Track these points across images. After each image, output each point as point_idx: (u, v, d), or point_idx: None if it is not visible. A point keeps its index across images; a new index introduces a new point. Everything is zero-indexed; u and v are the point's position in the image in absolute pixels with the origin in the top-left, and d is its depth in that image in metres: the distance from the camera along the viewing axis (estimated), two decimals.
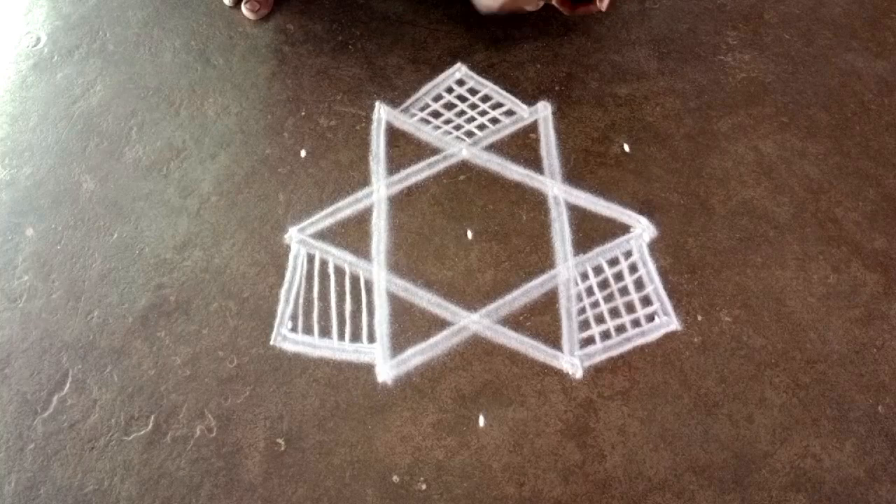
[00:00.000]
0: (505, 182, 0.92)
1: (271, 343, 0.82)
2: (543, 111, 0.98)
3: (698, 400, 0.77)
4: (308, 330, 0.83)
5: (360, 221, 0.89)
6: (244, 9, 1.06)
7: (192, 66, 1.05)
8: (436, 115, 0.98)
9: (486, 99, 0.99)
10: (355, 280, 0.85)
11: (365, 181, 0.93)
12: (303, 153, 0.94)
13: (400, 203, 0.91)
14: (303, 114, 0.98)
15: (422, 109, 0.99)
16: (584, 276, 0.85)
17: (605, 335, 0.81)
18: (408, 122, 0.98)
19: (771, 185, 0.91)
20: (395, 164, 0.94)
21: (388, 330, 0.82)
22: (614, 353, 0.80)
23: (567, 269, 0.85)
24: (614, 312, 0.82)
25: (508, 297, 0.84)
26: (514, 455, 0.74)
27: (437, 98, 1.00)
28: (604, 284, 0.84)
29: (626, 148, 0.94)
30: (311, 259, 0.85)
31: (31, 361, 0.82)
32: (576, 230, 0.88)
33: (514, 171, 0.93)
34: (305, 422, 0.77)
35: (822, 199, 0.90)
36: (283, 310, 0.84)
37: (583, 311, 0.83)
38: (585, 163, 0.93)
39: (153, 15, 1.11)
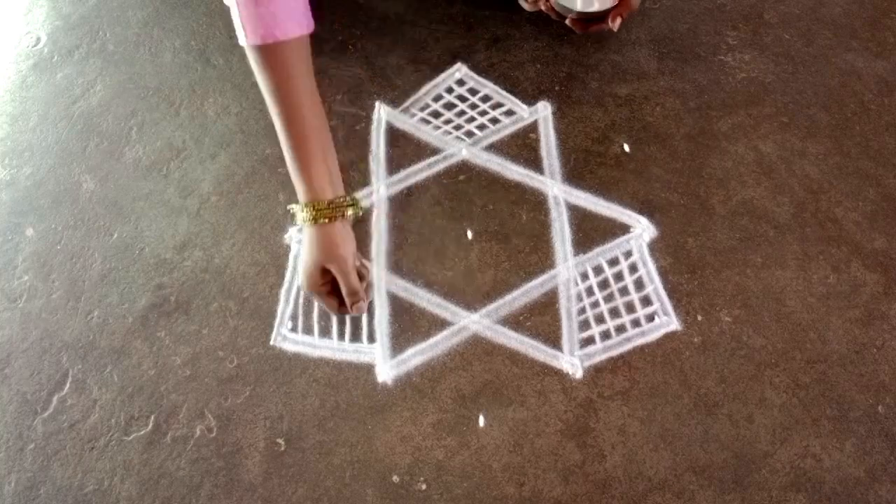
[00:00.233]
0: (505, 182, 0.92)
1: (271, 343, 0.82)
2: (543, 111, 0.98)
3: (698, 400, 0.77)
4: (308, 330, 0.83)
5: (360, 221, 0.89)
6: None
7: (192, 66, 1.05)
8: (436, 115, 0.98)
9: (486, 99, 0.99)
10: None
11: (365, 181, 0.93)
12: None
13: (400, 203, 0.91)
14: None
15: (422, 109, 0.99)
16: (584, 276, 0.85)
17: (605, 335, 0.81)
18: (408, 122, 0.98)
19: (771, 185, 0.91)
20: (395, 164, 0.94)
21: (388, 330, 0.82)
22: (614, 353, 0.80)
23: (567, 269, 0.85)
24: (614, 312, 0.83)
25: (508, 297, 0.84)
26: (514, 455, 0.75)
27: (438, 98, 1.00)
28: (604, 284, 0.85)
29: (626, 148, 0.94)
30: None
31: (31, 361, 0.82)
32: (576, 230, 0.88)
33: (514, 171, 0.93)
34: (305, 422, 0.77)
35: (822, 199, 0.90)
36: (283, 310, 0.84)
37: (583, 311, 0.83)
38: (585, 163, 0.93)
39: (153, 15, 1.11)
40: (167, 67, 1.05)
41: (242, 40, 0.70)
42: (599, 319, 0.82)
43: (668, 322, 0.81)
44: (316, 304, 0.84)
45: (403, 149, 0.95)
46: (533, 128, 0.97)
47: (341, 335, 0.82)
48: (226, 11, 1.10)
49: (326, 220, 0.75)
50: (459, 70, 1.02)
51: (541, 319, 0.82)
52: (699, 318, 0.82)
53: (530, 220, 0.89)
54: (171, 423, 0.77)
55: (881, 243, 0.86)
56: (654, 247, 0.87)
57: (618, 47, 1.04)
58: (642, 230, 0.88)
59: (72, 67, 1.06)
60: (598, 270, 0.85)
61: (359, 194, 0.91)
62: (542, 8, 0.87)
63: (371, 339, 0.82)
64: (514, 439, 0.75)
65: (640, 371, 0.79)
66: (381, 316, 0.83)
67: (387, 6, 1.10)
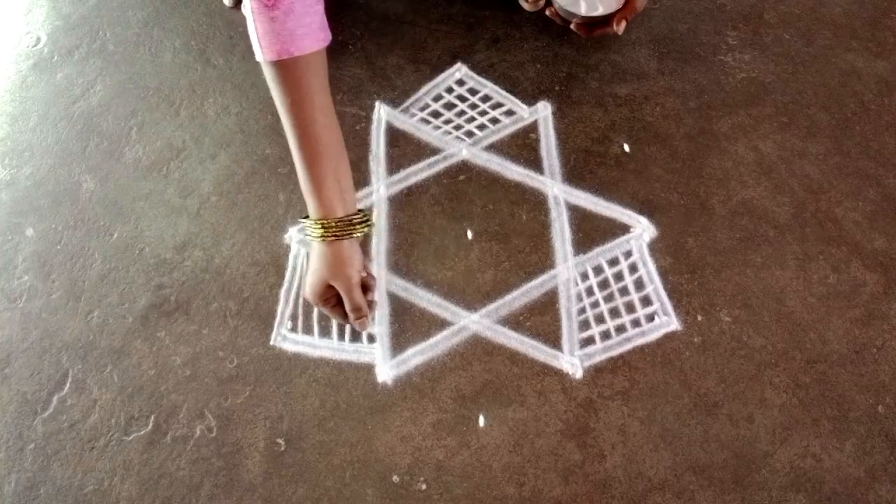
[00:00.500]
0: (505, 182, 0.92)
1: (271, 343, 0.82)
2: (543, 111, 0.98)
3: (698, 400, 0.77)
4: (308, 330, 0.83)
5: None
6: (244, 9, 1.06)
7: (192, 66, 1.05)
8: (436, 115, 0.98)
9: (486, 99, 0.99)
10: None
11: (365, 181, 0.93)
12: None
13: (400, 203, 0.91)
14: None
15: (422, 109, 0.99)
16: (584, 276, 0.85)
17: (605, 335, 0.81)
18: (408, 122, 0.98)
19: (771, 185, 0.91)
20: (395, 164, 0.94)
21: (388, 330, 0.82)
22: (614, 353, 0.80)
23: (567, 269, 0.85)
24: (614, 312, 0.83)
25: (508, 297, 0.84)
26: (514, 455, 0.75)
27: (437, 98, 1.00)
28: (604, 284, 0.85)
29: (626, 148, 0.94)
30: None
31: (31, 361, 0.82)
32: (576, 230, 0.88)
33: (514, 171, 0.93)
34: (305, 422, 0.77)
35: (822, 199, 0.90)
36: (283, 310, 0.84)
37: (583, 311, 0.83)
38: (585, 163, 0.93)
39: (153, 15, 1.11)
40: (167, 67, 1.05)
41: (259, 56, 0.70)
42: (599, 319, 0.82)
43: (668, 322, 0.81)
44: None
45: (403, 149, 0.95)
46: (533, 128, 0.97)
47: (341, 335, 0.82)
48: (226, 11, 1.11)
49: (334, 239, 0.74)
50: (459, 70, 1.02)
51: (541, 319, 0.82)
52: (699, 318, 0.82)
53: (530, 220, 0.89)
54: (171, 423, 0.77)
55: (881, 243, 0.86)
56: (654, 247, 0.87)
57: (618, 47, 1.04)
58: (642, 230, 0.88)
59: (72, 67, 1.06)
60: (598, 270, 0.85)
61: (359, 194, 0.91)
62: (547, 13, 0.87)
63: (371, 339, 0.82)
64: (514, 439, 0.75)
65: (640, 371, 0.79)
66: (381, 316, 0.83)
67: (387, 6, 1.10)
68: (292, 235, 0.88)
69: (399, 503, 0.72)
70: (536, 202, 0.90)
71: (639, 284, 0.84)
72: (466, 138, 0.95)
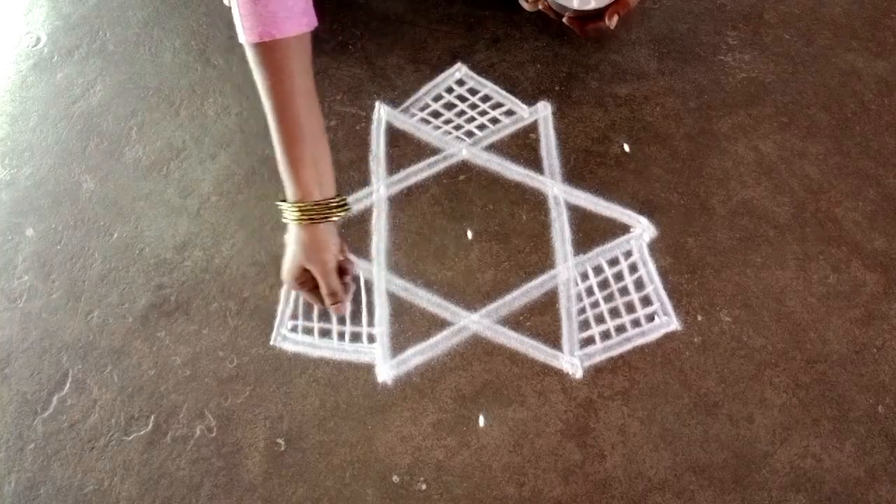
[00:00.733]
0: (505, 182, 0.92)
1: (271, 343, 0.82)
2: (543, 111, 0.98)
3: (698, 400, 0.77)
4: (308, 330, 0.83)
5: (360, 221, 0.89)
6: None
7: (192, 66, 1.05)
8: (436, 115, 0.98)
9: (486, 99, 0.99)
10: (355, 280, 0.85)
11: (365, 181, 0.93)
12: None
13: (400, 203, 0.91)
14: None
15: (422, 109, 0.99)
16: (584, 276, 0.85)
17: (605, 335, 0.81)
18: (408, 122, 0.98)
19: (771, 185, 0.91)
20: (395, 164, 0.94)
21: (388, 330, 0.82)
22: (614, 353, 0.80)
23: (567, 269, 0.85)
24: (614, 312, 0.83)
25: (508, 297, 0.84)
26: (514, 455, 0.75)
27: (437, 98, 1.00)
28: (604, 284, 0.85)
29: (626, 148, 0.94)
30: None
31: (31, 361, 0.82)
32: (576, 230, 0.88)
33: (514, 171, 0.93)
34: (305, 422, 0.77)
35: (822, 199, 0.90)
36: (283, 310, 0.84)
37: (583, 311, 0.83)
38: (585, 163, 0.93)
39: (153, 15, 1.11)
40: (167, 67, 1.05)
41: (241, 37, 0.70)
42: (599, 319, 0.82)
43: (668, 322, 0.81)
44: (317, 305, 0.84)
45: (403, 149, 0.95)
46: (533, 128, 0.97)
47: (341, 335, 0.82)
48: (226, 11, 1.11)
49: (309, 222, 0.75)
50: (459, 70, 1.02)
51: (541, 319, 0.82)
52: (699, 318, 0.82)
53: (530, 220, 0.89)
54: (171, 423, 0.77)
55: (881, 243, 0.86)
56: (654, 247, 0.87)
57: (618, 47, 1.04)
58: (642, 230, 0.88)
59: (72, 67, 1.06)
60: (598, 270, 0.85)
61: (359, 194, 0.91)
62: (540, 6, 0.86)
63: (371, 339, 0.82)
64: (514, 439, 0.75)
65: (640, 371, 0.79)
66: (381, 316, 0.83)
67: (387, 6, 1.10)
68: None
69: (399, 503, 0.72)
70: (536, 202, 0.90)
71: (639, 284, 0.84)
72: (466, 138, 0.95)
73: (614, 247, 0.87)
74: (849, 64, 1.02)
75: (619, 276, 0.85)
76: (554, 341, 0.81)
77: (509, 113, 0.98)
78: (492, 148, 0.95)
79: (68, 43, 1.08)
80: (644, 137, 0.95)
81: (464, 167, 0.94)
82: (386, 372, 0.79)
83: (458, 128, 0.97)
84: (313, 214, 0.74)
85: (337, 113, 0.99)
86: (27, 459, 0.76)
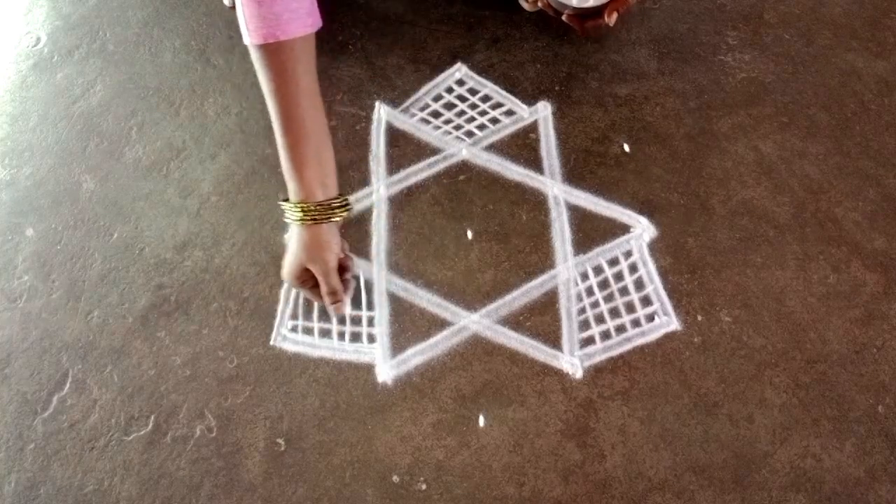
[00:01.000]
0: (505, 182, 0.92)
1: (271, 343, 0.82)
2: (543, 111, 0.98)
3: (698, 400, 0.77)
4: (308, 330, 0.83)
5: (360, 221, 0.89)
6: None
7: (192, 66, 1.05)
8: (436, 115, 0.98)
9: (486, 99, 0.99)
10: (355, 278, 0.85)
11: (365, 181, 0.93)
12: None
13: (400, 203, 0.91)
14: None
15: (422, 109, 0.99)
16: (584, 276, 0.85)
17: (605, 335, 0.81)
18: (408, 122, 0.98)
19: (771, 185, 0.91)
20: (395, 164, 0.94)
21: (388, 330, 0.82)
22: (614, 353, 0.80)
23: (567, 269, 0.85)
24: (614, 312, 0.83)
25: (508, 297, 0.84)
26: (514, 455, 0.75)
27: (437, 98, 1.00)
28: (604, 284, 0.85)
29: (626, 148, 0.94)
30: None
31: (31, 361, 0.82)
32: (576, 230, 0.88)
33: (514, 171, 0.93)
34: (305, 422, 0.77)
35: (822, 199, 0.90)
36: (283, 310, 0.84)
37: (583, 311, 0.83)
38: (585, 163, 0.93)
39: (153, 15, 1.11)
40: (167, 67, 1.05)
41: (246, 39, 0.70)
42: (599, 319, 0.82)
43: (668, 322, 0.81)
44: (317, 304, 0.84)
45: (403, 149, 0.95)
46: (533, 128, 0.97)
47: (341, 335, 0.82)
48: (226, 11, 1.11)
49: (312, 222, 0.75)
50: (459, 70, 1.02)
51: (541, 319, 0.82)
52: (699, 318, 0.82)
53: (530, 220, 0.89)
54: (171, 423, 0.77)
55: (881, 243, 0.86)
56: (654, 247, 0.87)
57: (618, 47, 1.04)
58: (642, 230, 0.88)
59: (72, 67, 1.06)
60: (598, 270, 0.85)
61: (359, 194, 0.91)
62: (539, 4, 0.86)
63: (371, 339, 0.82)
64: (514, 439, 0.75)
65: (640, 371, 0.79)
66: (381, 316, 0.83)
67: (387, 6, 1.10)
68: (292, 236, 0.88)
69: (399, 503, 0.72)
70: (536, 202, 0.90)
71: (639, 284, 0.84)
72: (466, 138, 0.95)
73: (614, 247, 0.87)
74: (849, 64, 1.02)
75: (619, 276, 0.85)
76: (554, 341, 0.81)
77: (509, 113, 0.98)
78: (492, 148, 0.95)
79: (68, 43, 1.08)
80: (644, 137, 0.95)
81: (464, 167, 0.94)
82: (386, 372, 0.79)
83: (458, 128, 0.97)
84: (316, 215, 0.75)
85: (337, 113, 0.99)
86: (27, 459, 0.76)
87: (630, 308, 0.83)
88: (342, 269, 0.80)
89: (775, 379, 0.78)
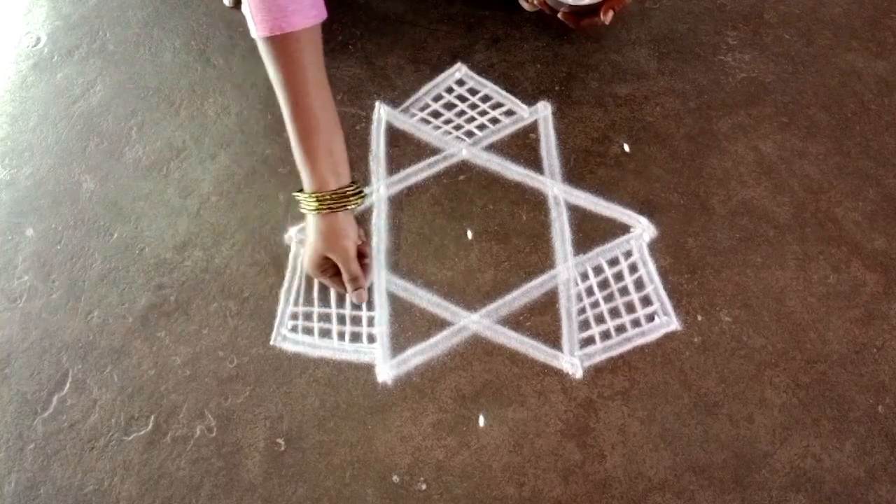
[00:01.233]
0: (505, 182, 0.92)
1: (271, 343, 0.82)
2: (543, 111, 0.98)
3: (698, 400, 0.77)
4: (308, 330, 0.83)
5: (360, 221, 0.89)
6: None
7: (192, 66, 1.05)
8: (436, 115, 0.98)
9: (486, 99, 0.99)
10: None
11: (365, 181, 0.93)
12: None
13: (400, 203, 0.91)
14: None
15: (422, 109, 0.99)
16: (584, 276, 0.85)
17: (605, 335, 0.81)
18: (408, 122, 0.98)
19: (771, 185, 0.91)
20: (395, 164, 0.94)
21: (388, 330, 0.82)
22: (614, 353, 0.80)
23: (567, 269, 0.85)
24: (614, 312, 0.83)
25: (508, 297, 0.84)
26: (514, 455, 0.75)
27: (437, 98, 1.00)
28: (604, 284, 0.85)
29: (626, 148, 0.94)
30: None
31: (31, 361, 0.82)
32: (576, 230, 0.88)
33: (514, 171, 0.93)
34: (305, 422, 0.77)
35: (822, 199, 0.90)
36: (283, 310, 0.84)
37: (583, 311, 0.83)
38: (585, 163, 0.93)
39: (153, 15, 1.11)
40: (167, 67, 1.05)
41: (253, 32, 0.71)
42: (599, 319, 0.82)
43: (668, 322, 0.81)
44: (316, 304, 0.84)
45: (403, 149, 0.95)
46: (533, 128, 0.97)
47: (341, 335, 0.82)
48: (226, 11, 1.11)
49: (328, 211, 0.76)
50: (459, 70, 1.02)
51: (541, 319, 0.82)
52: (699, 318, 0.82)
53: (530, 220, 0.89)
54: (171, 423, 0.77)
55: (881, 243, 0.86)
56: (654, 247, 0.87)
57: (618, 47, 1.04)
58: (642, 230, 0.88)
59: (72, 67, 1.06)
60: (598, 270, 0.85)
61: None
62: (536, 2, 0.87)
63: (371, 339, 0.82)
64: (514, 439, 0.75)
65: (640, 371, 0.79)
66: (381, 316, 0.83)
67: (387, 6, 1.10)
68: (292, 235, 0.88)
69: (399, 503, 0.72)
70: (536, 202, 0.90)
71: (639, 284, 0.84)
72: (466, 138, 0.95)
73: (614, 247, 0.87)
74: (849, 64, 1.02)
75: (619, 276, 0.85)
76: (554, 341, 0.81)
77: (509, 113, 0.98)
78: (492, 148, 0.95)
79: (68, 43, 1.08)
80: (644, 137, 0.95)
81: (464, 167, 0.94)
82: (386, 372, 0.79)
83: (458, 128, 0.97)
84: (331, 203, 0.76)
85: (337, 113, 0.98)
86: (27, 459, 0.76)
87: (630, 308, 0.83)
88: (360, 255, 0.82)
89: (775, 379, 0.78)
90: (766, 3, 1.09)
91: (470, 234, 0.88)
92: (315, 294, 0.85)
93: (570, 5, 0.82)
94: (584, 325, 0.82)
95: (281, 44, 0.71)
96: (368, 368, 0.80)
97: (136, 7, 1.12)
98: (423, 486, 0.73)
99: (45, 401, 0.79)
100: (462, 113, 0.98)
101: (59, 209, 0.92)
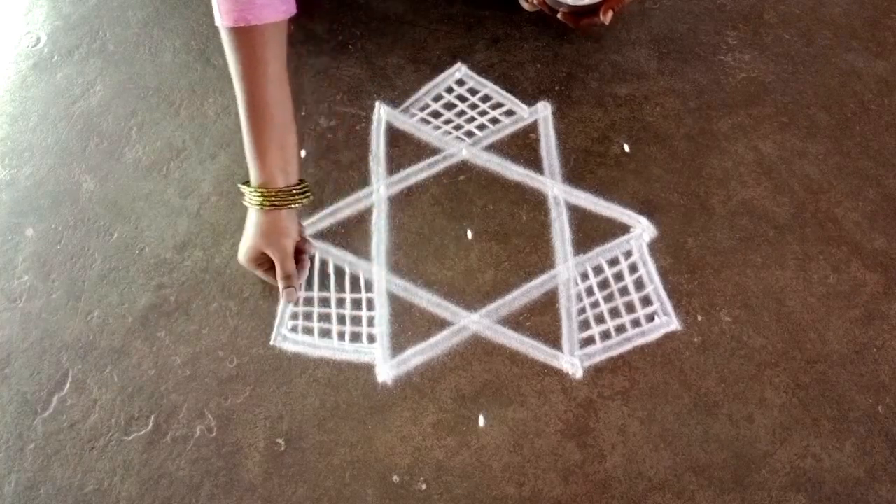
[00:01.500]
0: (505, 182, 0.92)
1: (271, 343, 0.82)
2: (543, 111, 0.98)
3: (698, 400, 0.77)
4: (308, 330, 0.83)
5: (360, 221, 0.89)
6: None
7: (192, 66, 1.05)
8: (436, 115, 0.98)
9: (486, 99, 0.99)
10: (355, 280, 0.85)
11: (365, 181, 0.93)
12: (303, 153, 0.94)
13: (400, 203, 0.91)
14: (302, 114, 0.98)
15: (422, 109, 0.99)
16: (584, 276, 0.85)
17: (605, 335, 0.81)
18: (408, 122, 0.98)
19: (771, 185, 0.91)
20: (395, 164, 0.94)
21: (388, 330, 0.82)
22: (614, 353, 0.80)
23: (567, 269, 0.85)
24: (614, 312, 0.83)
25: (508, 297, 0.84)
26: (514, 455, 0.75)
27: (437, 98, 1.00)
28: (604, 284, 0.85)
29: (626, 148, 0.94)
30: (311, 259, 0.85)
31: (31, 361, 0.82)
32: (576, 230, 0.88)
33: (514, 171, 0.93)
34: (305, 422, 0.77)
35: (822, 199, 0.90)
36: (283, 310, 0.84)
37: (583, 311, 0.83)
38: (585, 163, 0.93)
39: (153, 15, 1.11)
40: (167, 67, 1.05)
41: (217, 20, 0.70)
42: (599, 319, 0.82)
43: (668, 322, 0.81)
44: (316, 304, 0.84)
45: (403, 149, 0.95)
46: (533, 128, 0.97)
47: (341, 335, 0.82)
48: None
49: (271, 208, 0.76)
50: (459, 70, 1.02)
51: (541, 319, 0.82)
52: (699, 318, 0.82)
53: (530, 220, 0.89)
54: (171, 423, 0.77)
55: (881, 243, 0.86)
56: (654, 247, 0.87)
57: (618, 47, 1.04)
58: (642, 230, 0.88)
59: (72, 67, 1.06)
60: (598, 270, 0.85)
61: (359, 194, 0.91)
62: (535, 2, 0.87)
63: (371, 339, 0.82)
64: (514, 439, 0.75)
65: (640, 371, 0.79)
66: (381, 316, 0.83)
67: (387, 6, 1.10)
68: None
69: (399, 503, 0.72)
70: (536, 202, 0.90)
71: (639, 284, 0.84)
72: (466, 138, 0.95)
73: (614, 247, 0.87)
74: (849, 64, 1.02)
75: (619, 276, 0.85)
76: (554, 341, 0.81)
77: (509, 113, 0.98)
78: (492, 148, 0.95)
79: (68, 43, 1.08)
80: (644, 137, 0.95)
81: (464, 167, 0.94)
82: (386, 372, 0.79)
83: (458, 128, 0.97)
84: (276, 201, 0.76)
85: (337, 113, 0.99)
86: (27, 459, 0.76)
87: (630, 308, 0.83)
88: (298, 251, 0.81)
89: (775, 379, 0.78)
90: (766, 3, 1.09)
91: (470, 234, 0.88)
92: (315, 294, 0.85)
93: (570, 5, 0.82)
94: (584, 325, 0.82)
95: (245, 36, 0.70)
96: (368, 368, 0.80)
97: (136, 7, 1.12)
98: (423, 486, 0.73)
99: (45, 401, 0.79)
100: (462, 113, 0.98)
101: (59, 209, 0.92)
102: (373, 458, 0.75)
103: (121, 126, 0.99)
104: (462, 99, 0.99)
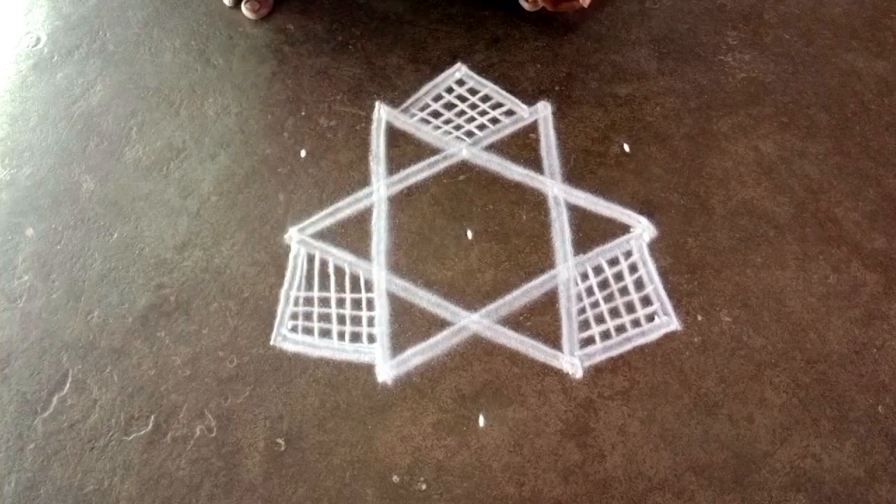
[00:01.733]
0: (505, 182, 0.92)
1: (271, 343, 0.82)
2: (543, 111, 0.98)
3: (698, 400, 0.77)
4: (308, 330, 0.83)
5: (360, 221, 0.89)
6: (244, 9, 1.06)
7: (192, 66, 1.05)
8: (436, 115, 0.98)
9: (486, 99, 0.99)
10: (355, 280, 0.85)
11: (365, 181, 0.93)
12: (303, 153, 0.94)
13: (400, 203, 0.91)
14: (303, 114, 0.98)
15: (422, 109, 0.99)
16: (584, 276, 0.85)
17: (605, 335, 0.81)
18: (408, 122, 0.98)
19: (771, 185, 0.91)
20: (395, 164, 0.94)
21: (388, 330, 0.82)
22: (614, 353, 0.80)
23: (567, 269, 0.85)
24: (614, 312, 0.82)
25: (508, 297, 0.84)
26: (514, 455, 0.74)
27: (437, 98, 1.00)
28: (604, 284, 0.84)
29: (626, 148, 0.94)
30: (311, 259, 0.85)
31: (31, 361, 0.82)
32: (576, 230, 0.88)
33: (514, 171, 0.93)
34: (305, 422, 0.77)
35: (822, 199, 0.90)
36: (283, 310, 0.84)
37: (583, 311, 0.83)
38: (585, 163, 0.93)
39: (153, 15, 1.11)
40: (167, 67, 1.05)
41: None
42: (599, 319, 0.82)
43: (668, 322, 0.81)
44: (316, 303, 0.84)
45: (403, 149, 0.95)
46: (533, 128, 0.97)
47: (341, 335, 0.82)
48: (226, 11, 1.11)
49: None
50: (459, 70, 1.02)
51: (541, 319, 0.82)
52: (699, 318, 0.82)
53: (530, 220, 0.89)
54: (171, 423, 0.77)
55: (881, 243, 0.86)
56: (654, 247, 0.87)
57: (618, 47, 1.04)
58: (642, 230, 0.88)
59: (72, 67, 1.06)
60: (598, 270, 0.85)
61: (359, 194, 0.91)
62: None
63: (371, 339, 0.82)
64: (514, 439, 0.75)
65: (640, 371, 0.79)
66: (381, 316, 0.83)
67: (387, 6, 1.10)
68: (292, 235, 0.88)
69: (399, 503, 0.72)
70: (536, 202, 0.90)
71: (639, 284, 0.84)
72: (466, 138, 0.95)
73: (614, 247, 0.87)
74: (849, 64, 1.02)
75: (619, 276, 0.85)
76: (554, 341, 0.81)
77: (509, 113, 0.98)
78: (492, 148, 0.95)
79: (68, 43, 1.08)
80: (644, 137, 0.95)
81: (464, 167, 0.94)
82: (386, 372, 0.79)
83: (458, 128, 0.97)
84: None
85: (337, 113, 0.99)
86: (27, 459, 0.76)
87: (630, 308, 0.83)
88: None
89: (775, 379, 0.78)
90: (766, 3, 1.09)
91: (470, 234, 0.88)
92: (315, 294, 0.85)
93: None
94: (584, 325, 0.82)
95: None
96: (368, 368, 0.80)
97: (136, 7, 1.12)
98: (423, 486, 0.73)
99: (45, 401, 0.79)
100: (462, 113, 0.98)
101: (59, 209, 0.92)
102: (373, 458, 0.75)
103: (121, 126, 0.99)
104: (462, 99, 0.99)
